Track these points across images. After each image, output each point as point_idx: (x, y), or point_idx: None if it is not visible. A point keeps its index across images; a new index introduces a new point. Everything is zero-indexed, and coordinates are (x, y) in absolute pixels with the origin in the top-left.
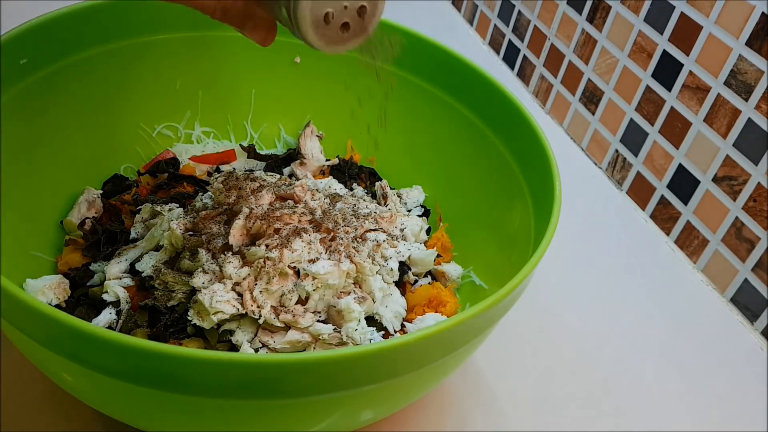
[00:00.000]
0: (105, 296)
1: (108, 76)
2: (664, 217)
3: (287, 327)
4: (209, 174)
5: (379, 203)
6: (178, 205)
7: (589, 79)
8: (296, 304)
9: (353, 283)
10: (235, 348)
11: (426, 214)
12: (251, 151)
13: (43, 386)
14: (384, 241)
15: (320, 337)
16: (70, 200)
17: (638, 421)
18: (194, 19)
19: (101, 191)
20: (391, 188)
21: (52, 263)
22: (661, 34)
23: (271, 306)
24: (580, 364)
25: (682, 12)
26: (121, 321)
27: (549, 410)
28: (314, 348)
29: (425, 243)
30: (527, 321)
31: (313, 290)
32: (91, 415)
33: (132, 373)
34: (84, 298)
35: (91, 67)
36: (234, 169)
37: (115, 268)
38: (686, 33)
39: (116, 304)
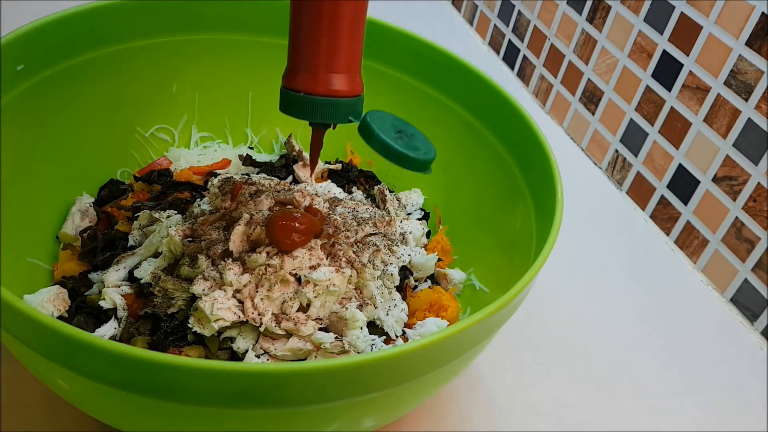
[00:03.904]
0: (102, 303)
1: (104, 80)
2: (664, 217)
3: (288, 334)
4: (206, 183)
5: (378, 207)
6: (176, 212)
7: (589, 79)
8: (298, 310)
9: (354, 288)
10: (236, 355)
11: (426, 217)
12: (247, 159)
13: (43, 388)
14: (384, 245)
15: (322, 346)
16: (67, 205)
17: (638, 421)
18: (190, 23)
19: (93, 200)
20: (390, 191)
21: (49, 271)
22: (661, 34)
23: (273, 313)
24: (579, 364)
25: (682, 12)
26: (120, 329)
27: (549, 410)
28: (315, 356)
29: (425, 246)
30: (527, 321)
31: (315, 297)
32: (91, 418)
33: (130, 383)
34: (83, 305)
35: (86, 71)
36: (227, 172)
37: (114, 276)
38: (686, 33)
39: (115, 311)
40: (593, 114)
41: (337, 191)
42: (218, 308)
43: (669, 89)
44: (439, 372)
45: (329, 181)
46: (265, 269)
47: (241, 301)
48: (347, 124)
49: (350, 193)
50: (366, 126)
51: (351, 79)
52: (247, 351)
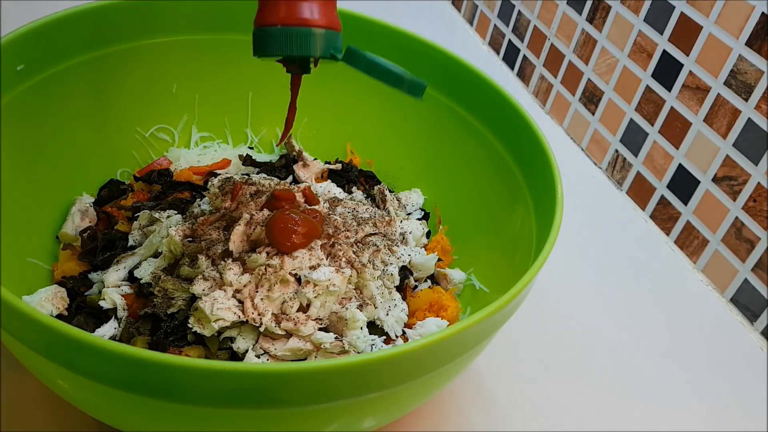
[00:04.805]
0: (102, 303)
1: (104, 80)
2: (664, 217)
3: (288, 334)
4: (206, 183)
5: (378, 207)
6: (176, 212)
7: (589, 79)
8: (298, 310)
9: (354, 288)
10: (236, 355)
11: (426, 217)
12: (247, 159)
13: (43, 388)
14: (384, 245)
15: (322, 346)
16: (67, 205)
17: (638, 421)
18: (189, 23)
19: (93, 200)
20: (390, 191)
21: (49, 271)
22: (661, 34)
23: (273, 313)
24: (579, 364)
25: (682, 12)
26: (120, 329)
27: (549, 410)
28: (315, 356)
29: (425, 246)
30: (527, 321)
31: (315, 297)
32: (91, 418)
33: (130, 383)
34: (83, 305)
35: (86, 71)
36: (227, 172)
37: (114, 276)
38: (686, 33)
39: (114, 311)
40: (593, 114)
41: (337, 191)
42: (218, 308)
43: (669, 89)
44: (439, 372)
45: (329, 181)
46: (265, 269)
47: (241, 301)
48: (330, 62)
49: (350, 193)
50: (352, 51)
51: (327, 12)
52: (247, 351)
